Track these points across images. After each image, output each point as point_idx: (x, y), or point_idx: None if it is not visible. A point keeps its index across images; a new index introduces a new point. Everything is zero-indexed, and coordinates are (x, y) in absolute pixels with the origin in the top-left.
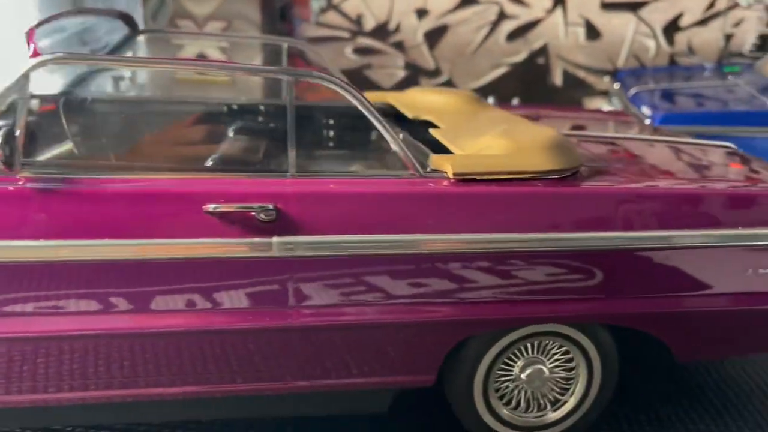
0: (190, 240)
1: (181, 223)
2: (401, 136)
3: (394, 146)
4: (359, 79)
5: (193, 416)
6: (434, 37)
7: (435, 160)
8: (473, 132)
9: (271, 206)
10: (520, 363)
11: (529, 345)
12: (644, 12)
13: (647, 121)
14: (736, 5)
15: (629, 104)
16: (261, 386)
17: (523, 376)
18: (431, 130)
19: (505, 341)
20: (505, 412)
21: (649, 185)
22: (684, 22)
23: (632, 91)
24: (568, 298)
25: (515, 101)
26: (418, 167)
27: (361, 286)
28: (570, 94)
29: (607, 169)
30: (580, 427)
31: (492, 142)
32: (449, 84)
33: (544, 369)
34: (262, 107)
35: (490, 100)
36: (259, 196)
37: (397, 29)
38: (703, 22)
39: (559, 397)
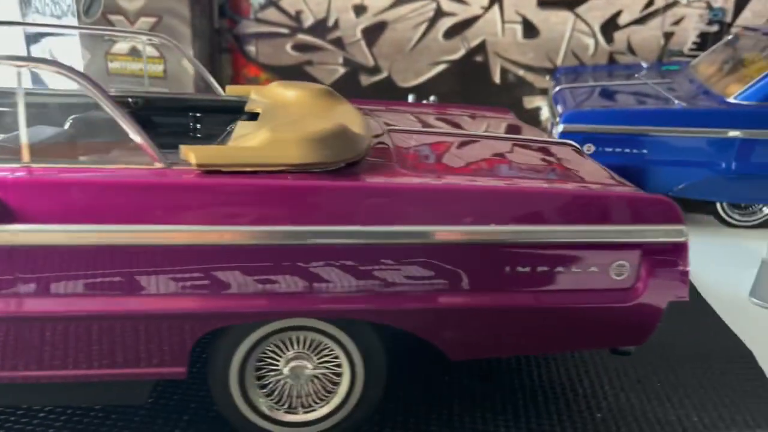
0: None
1: None
2: (230, 128)
3: (133, 137)
4: (300, 76)
5: None
6: (373, 34)
7: (183, 151)
8: (273, 125)
9: None
10: (288, 356)
11: (294, 340)
12: (582, 10)
13: (558, 119)
14: (675, 3)
15: (552, 103)
16: (11, 375)
17: (286, 370)
18: (239, 123)
19: (256, 335)
20: (264, 405)
21: (405, 181)
22: (622, 20)
23: (556, 89)
24: (310, 293)
25: (432, 98)
26: (162, 158)
27: (94, 276)
28: (510, 92)
29: (385, 165)
30: (346, 425)
31: (260, 134)
32: (389, 81)
33: (308, 364)
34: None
35: (410, 98)
36: None
37: (336, 26)
38: (641, 20)
39: (326, 394)
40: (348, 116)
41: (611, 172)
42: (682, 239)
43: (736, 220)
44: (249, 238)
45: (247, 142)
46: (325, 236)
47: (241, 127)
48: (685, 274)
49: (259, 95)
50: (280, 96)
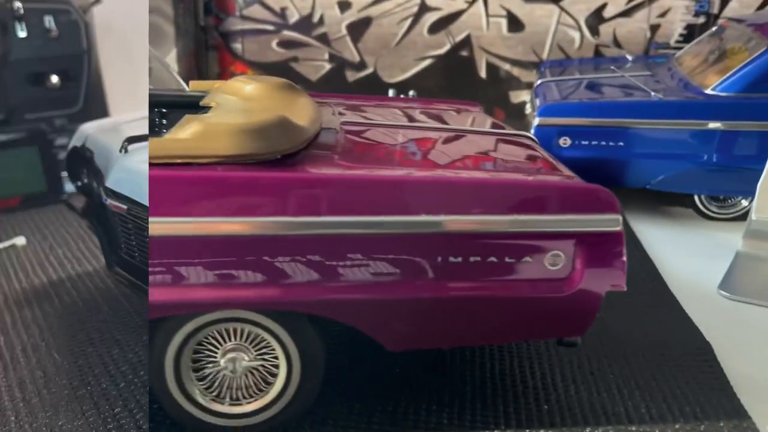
0: None
1: None
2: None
3: None
4: (286, 72)
5: None
6: (358, 29)
7: None
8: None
9: None
10: (226, 348)
11: (232, 332)
12: (567, 3)
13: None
14: None
15: (534, 96)
16: None
17: (222, 362)
18: (185, 116)
19: (190, 326)
20: (200, 397)
21: (337, 172)
22: (608, 12)
23: (537, 82)
24: (239, 285)
25: (411, 93)
26: None
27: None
28: (496, 87)
29: (325, 156)
30: (284, 417)
31: (192, 126)
32: (375, 77)
33: (245, 356)
34: None
35: (390, 93)
36: None
37: (321, 22)
38: (627, 12)
39: (266, 385)
40: (300, 109)
41: (558, 162)
42: (617, 228)
43: (715, 212)
44: (176, 229)
45: (179, 133)
46: (253, 228)
47: (185, 120)
48: (622, 263)
49: (219, 90)
50: (238, 90)
